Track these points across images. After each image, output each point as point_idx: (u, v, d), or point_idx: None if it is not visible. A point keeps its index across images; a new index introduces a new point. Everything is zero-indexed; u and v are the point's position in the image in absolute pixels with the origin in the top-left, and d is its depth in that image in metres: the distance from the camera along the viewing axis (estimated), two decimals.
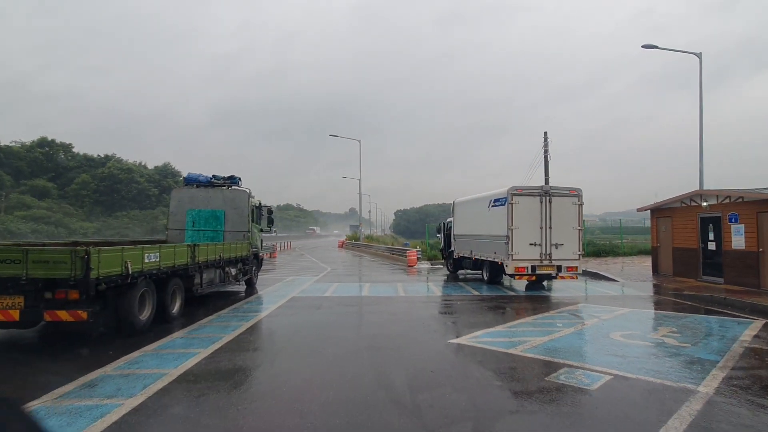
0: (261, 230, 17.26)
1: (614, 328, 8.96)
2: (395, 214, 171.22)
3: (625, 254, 27.70)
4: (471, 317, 10.29)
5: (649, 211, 19.12)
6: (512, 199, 14.36)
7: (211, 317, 10.04)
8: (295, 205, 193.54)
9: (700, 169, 22.19)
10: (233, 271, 13.39)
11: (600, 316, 10.23)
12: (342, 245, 53.62)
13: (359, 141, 47.27)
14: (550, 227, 14.44)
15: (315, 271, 21.95)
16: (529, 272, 14.28)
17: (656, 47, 24.19)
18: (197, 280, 11.08)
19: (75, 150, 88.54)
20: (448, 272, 21.16)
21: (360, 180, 48.20)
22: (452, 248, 20.18)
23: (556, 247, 14.45)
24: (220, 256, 12.12)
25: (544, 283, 15.77)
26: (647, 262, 23.81)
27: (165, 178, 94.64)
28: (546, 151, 29.57)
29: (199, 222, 14.80)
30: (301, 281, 17.59)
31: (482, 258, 16.62)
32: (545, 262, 14.37)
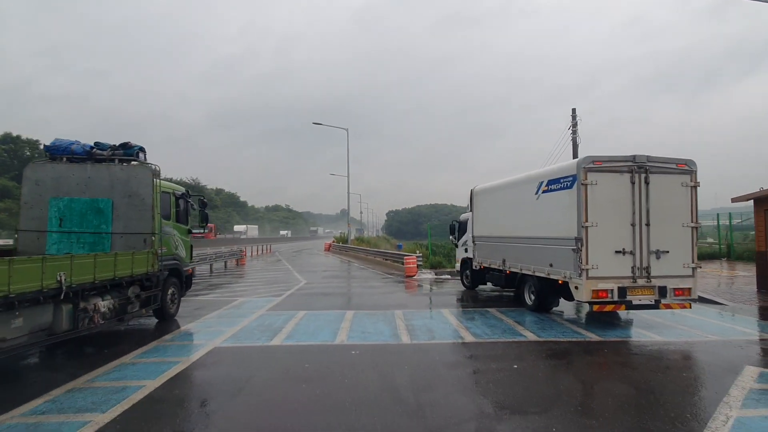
0: (189, 231, 11.47)
1: None
2: (387, 215, 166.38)
3: None
4: (572, 426, 4.54)
5: (751, 201, 13.54)
6: (586, 178, 8.68)
7: None
8: (284, 206, 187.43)
9: None
10: (104, 305, 7.56)
11: None
12: (329, 248, 47.75)
13: (347, 130, 41.52)
14: (648, 224, 8.80)
15: (283, 286, 16.14)
16: (616, 298, 8.60)
17: None
18: None
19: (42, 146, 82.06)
20: (463, 287, 15.46)
21: (348, 173, 42.47)
22: (470, 255, 14.49)
23: (658, 257, 8.80)
24: (59, 281, 6.33)
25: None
26: (724, 271, 18.31)
27: None
28: (574, 132, 23.98)
29: (70, 219, 8.99)
30: (253, 306, 11.79)
31: (525, 272, 10.92)
32: (641, 282, 8.71)
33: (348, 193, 42.60)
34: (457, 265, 16.28)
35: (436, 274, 20.88)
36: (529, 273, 10.63)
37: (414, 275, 20.34)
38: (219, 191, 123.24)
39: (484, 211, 13.64)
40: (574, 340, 8.04)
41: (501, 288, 13.57)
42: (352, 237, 49.61)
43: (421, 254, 22.78)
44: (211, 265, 22.76)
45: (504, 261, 11.95)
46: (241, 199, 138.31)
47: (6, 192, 65.99)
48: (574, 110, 24.21)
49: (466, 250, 15.19)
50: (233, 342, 7.96)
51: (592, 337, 8.25)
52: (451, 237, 16.78)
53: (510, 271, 11.76)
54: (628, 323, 9.59)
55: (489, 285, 14.42)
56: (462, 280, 15.66)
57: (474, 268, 14.12)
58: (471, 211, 14.59)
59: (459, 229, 16.13)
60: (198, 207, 11.83)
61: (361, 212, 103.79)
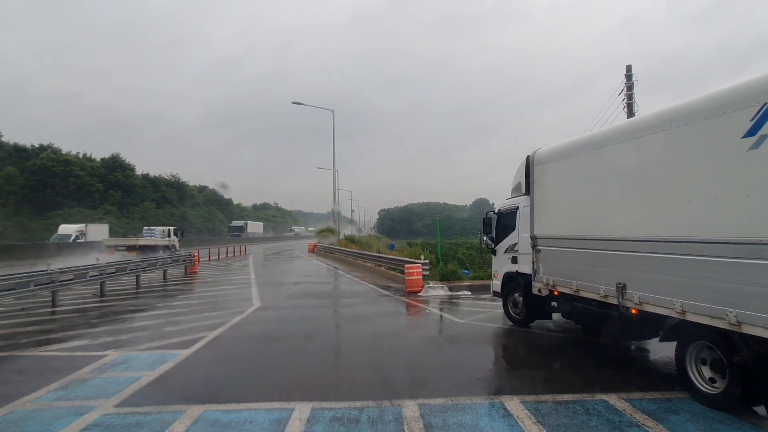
0: None
1: None
2: (379, 213, 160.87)
3: None
4: None
5: None
6: None
7: None
8: (272, 204, 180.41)
9: None
10: None
11: None
12: (313, 249, 41.50)
13: (332, 111, 35.38)
14: None
15: (215, 318, 9.94)
16: None
17: None
18: None
19: (4, 139, 74.64)
20: (509, 320, 9.36)
21: (334, 159, 36.30)
22: (522, 268, 8.45)
23: None
24: None
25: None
26: None
27: (113, 171, 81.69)
28: (630, 98, 17.97)
29: None
30: (105, 386, 5.64)
31: (695, 319, 4.82)
32: None
33: (335, 182, 36.51)
34: (495, 282, 10.14)
35: (449, 290, 14.84)
36: (720, 324, 4.54)
37: (419, 291, 14.37)
38: (202, 188, 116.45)
39: (561, 191, 7.52)
40: None
41: (621, 335, 6.91)
42: (341, 236, 43.48)
43: (427, 260, 16.68)
44: (137, 276, 16.48)
45: (623, 288, 5.85)
46: (226, 196, 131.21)
47: None
48: (629, 67, 18.20)
49: (513, 260, 9.12)
50: None
51: None
52: (484, 238, 10.54)
53: (638, 311, 5.69)
54: None
55: (555, 317, 8.40)
56: (506, 308, 9.51)
57: (535, 292, 8.05)
58: (526, 193, 8.52)
59: (498, 225, 10.02)
60: None
61: (352, 210, 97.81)
